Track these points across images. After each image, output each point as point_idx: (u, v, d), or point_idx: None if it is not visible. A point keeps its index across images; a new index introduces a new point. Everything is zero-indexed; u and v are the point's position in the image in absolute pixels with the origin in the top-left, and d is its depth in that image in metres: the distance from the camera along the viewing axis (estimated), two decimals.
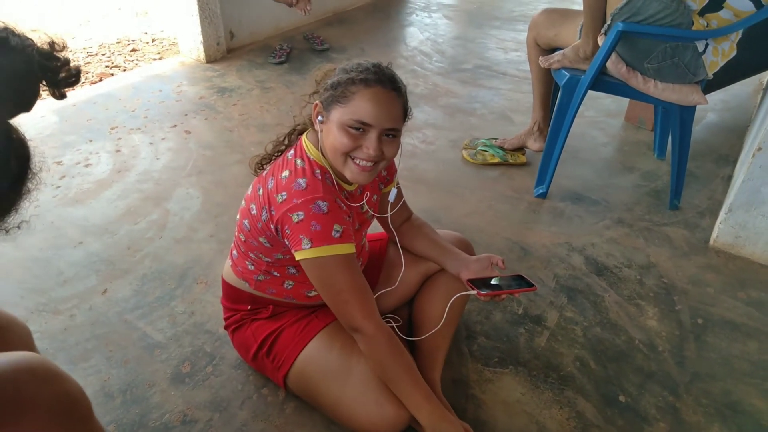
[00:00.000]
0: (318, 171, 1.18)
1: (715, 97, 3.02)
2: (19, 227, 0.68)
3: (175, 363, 1.48)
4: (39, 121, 2.59)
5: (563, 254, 1.96)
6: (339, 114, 1.14)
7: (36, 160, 0.67)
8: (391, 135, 1.17)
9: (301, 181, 1.15)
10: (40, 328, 1.55)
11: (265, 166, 1.31)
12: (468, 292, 1.36)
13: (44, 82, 0.69)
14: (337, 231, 1.13)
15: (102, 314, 1.61)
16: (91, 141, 2.46)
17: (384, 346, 1.17)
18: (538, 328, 1.65)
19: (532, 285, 1.33)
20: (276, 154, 1.32)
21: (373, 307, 1.19)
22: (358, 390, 1.21)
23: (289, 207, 1.13)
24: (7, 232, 0.68)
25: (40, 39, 0.68)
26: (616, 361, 1.56)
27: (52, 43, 0.70)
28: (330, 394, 1.25)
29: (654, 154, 2.60)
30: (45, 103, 2.83)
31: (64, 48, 0.71)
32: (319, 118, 1.19)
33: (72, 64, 0.71)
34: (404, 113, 1.21)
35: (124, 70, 3.43)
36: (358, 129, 1.13)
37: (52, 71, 0.69)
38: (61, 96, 0.72)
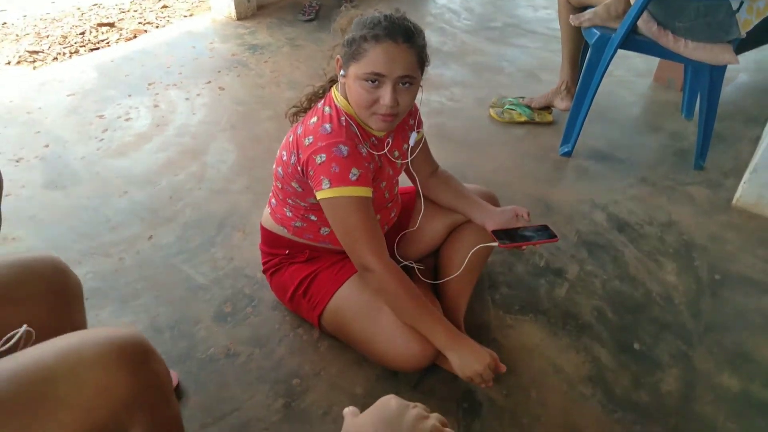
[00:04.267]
0: (344, 118, 1.26)
1: (748, 57, 2.96)
2: None
3: (218, 303, 1.60)
4: (79, 76, 2.68)
5: (586, 211, 2.01)
6: (354, 70, 1.19)
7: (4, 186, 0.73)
8: (407, 83, 1.20)
9: (327, 126, 1.23)
10: (93, 269, 1.68)
11: (300, 116, 1.39)
12: (489, 244, 1.43)
13: None
14: (355, 174, 1.20)
15: (148, 258, 1.73)
16: (130, 96, 2.55)
17: (392, 280, 1.23)
18: (559, 280, 1.72)
19: (555, 236, 1.39)
20: (311, 106, 1.39)
21: (382, 247, 1.25)
22: (387, 328, 1.30)
23: (314, 149, 1.21)
24: None
25: None
26: (633, 312, 1.63)
27: None
28: (361, 331, 1.35)
29: (682, 115, 2.60)
30: (83, 58, 2.93)
31: None
32: (341, 72, 1.25)
33: None
34: (421, 60, 1.23)
35: (157, 26, 3.50)
36: (373, 81, 1.18)
37: None
38: None
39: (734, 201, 2.07)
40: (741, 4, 1.81)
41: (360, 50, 1.18)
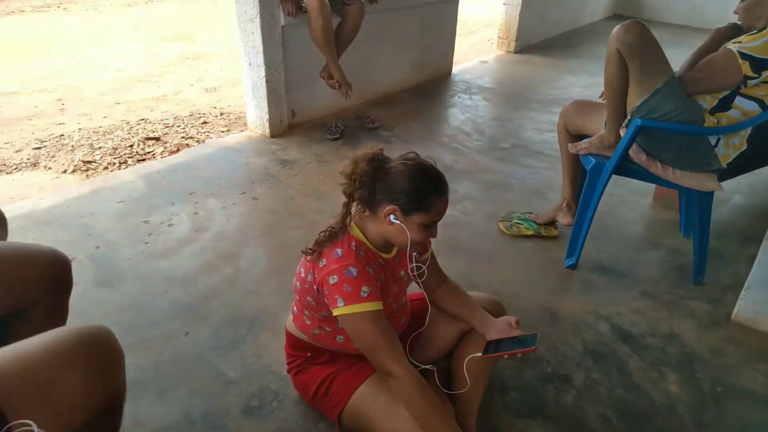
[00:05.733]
0: (354, 243, 1.45)
1: (742, 180, 3.20)
2: None
3: (246, 397, 1.72)
4: (129, 186, 2.98)
5: (591, 321, 2.14)
6: (421, 218, 1.42)
7: None
8: None
9: (339, 251, 1.43)
10: (135, 361, 1.82)
11: (315, 249, 1.49)
12: (475, 355, 1.56)
13: None
14: (365, 291, 1.39)
15: (185, 352, 1.88)
16: (173, 204, 2.82)
17: (412, 386, 1.38)
18: (566, 386, 1.82)
19: (534, 345, 1.46)
20: (327, 242, 1.50)
21: (401, 353, 1.41)
22: (404, 429, 1.40)
23: (328, 271, 1.40)
24: None
25: None
26: (638, 421, 1.71)
27: None
28: (380, 430, 1.45)
29: (680, 233, 2.78)
30: (132, 169, 3.25)
31: None
32: (392, 216, 1.43)
33: None
34: None
35: (198, 141, 3.87)
36: (432, 226, 1.45)
37: None
38: None
39: (733, 316, 2.19)
40: (718, 140, 2.06)
41: (429, 203, 1.41)
